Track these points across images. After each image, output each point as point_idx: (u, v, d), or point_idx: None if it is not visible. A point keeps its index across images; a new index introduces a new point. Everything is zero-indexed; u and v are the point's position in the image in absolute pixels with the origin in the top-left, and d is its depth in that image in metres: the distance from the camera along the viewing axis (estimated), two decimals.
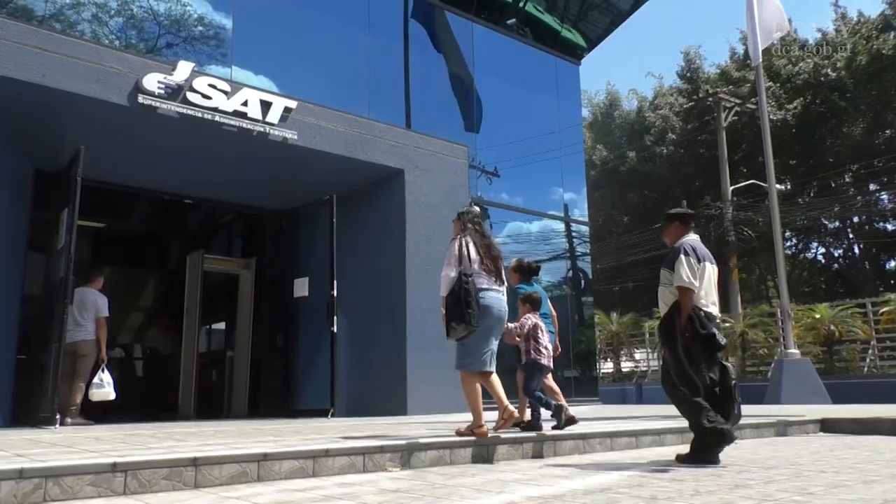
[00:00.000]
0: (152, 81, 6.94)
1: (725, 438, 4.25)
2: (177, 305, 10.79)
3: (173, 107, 7.07)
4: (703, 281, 4.35)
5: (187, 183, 9.24)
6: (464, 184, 9.65)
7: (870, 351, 16.17)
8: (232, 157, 8.27)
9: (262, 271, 10.57)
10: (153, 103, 6.94)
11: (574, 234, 12.84)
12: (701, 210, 26.68)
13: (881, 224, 28.14)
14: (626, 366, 22.75)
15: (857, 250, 28.80)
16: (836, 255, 30.21)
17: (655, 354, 20.43)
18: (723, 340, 4.29)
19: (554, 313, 6.11)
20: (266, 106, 7.69)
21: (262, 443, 4.28)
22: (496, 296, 4.89)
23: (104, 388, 7.13)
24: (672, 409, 4.68)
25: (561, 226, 12.40)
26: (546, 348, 5.50)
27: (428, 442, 4.43)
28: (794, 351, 12.34)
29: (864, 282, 26.81)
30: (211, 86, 7.35)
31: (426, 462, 4.30)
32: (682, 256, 4.34)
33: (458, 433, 4.84)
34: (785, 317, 12.60)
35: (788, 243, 29.21)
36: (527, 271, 5.97)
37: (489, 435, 4.72)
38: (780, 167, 24.15)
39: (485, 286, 4.83)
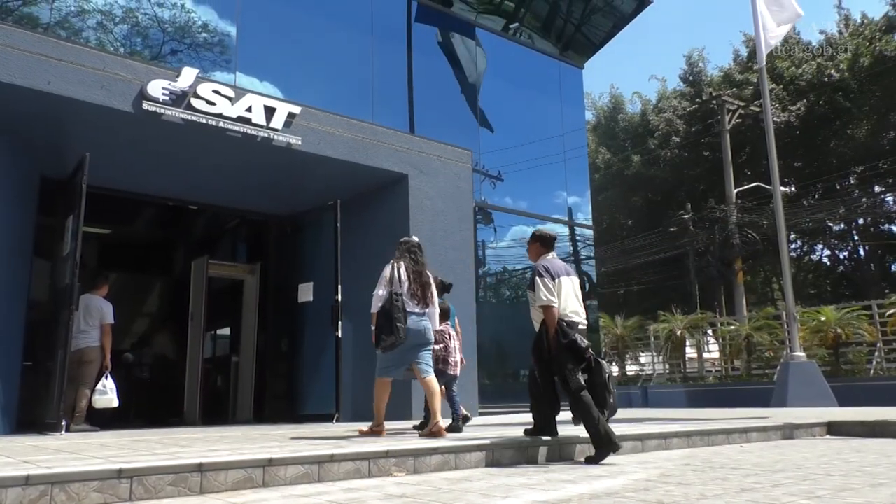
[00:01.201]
0: (157, 88, 6.96)
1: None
2: (182, 311, 10.81)
3: (178, 113, 7.08)
4: (560, 295, 4.89)
5: (192, 189, 9.27)
6: (468, 188, 9.65)
7: (876, 353, 16.09)
8: (236, 162, 8.29)
9: (266, 276, 10.58)
10: (158, 110, 6.96)
11: (578, 237, 12.84)
12: (705, 213, 26.67)
13: (886, 226, 28.05)
14: (632, 369, 22.67)
15: (862, 252, 28.71)
16: (841, 257, 30.13)
17: (661, 358, 20.37)
18: (584, 343, 4.79)
19: (458, 329, 6.83)
20: (270, 111, 7.71)
21: (267, 448, 4.28)
22: (416, 319, 5.52)
23: (107, 394, 7.11)
24: (677, 413, 4.69)
25: (565, 229, 12.39)
26: (457, 360, 6.29)
27: (433, 446, 4.42)
28: (800, 353, 12.28)
29: (870, 284, 26.71)
30: (215, 92, 7.36)
31: (431, 467, 4.30)
32: (538, 279, 4.91)
33: (361, 433, 5.53)
34: (790, 319, 12.54)
35: (793, 246, 29.13)
36: (439, 288, 6.48)
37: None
38: (784, 169, 24.12)
39: (409, 309, 5.48)
